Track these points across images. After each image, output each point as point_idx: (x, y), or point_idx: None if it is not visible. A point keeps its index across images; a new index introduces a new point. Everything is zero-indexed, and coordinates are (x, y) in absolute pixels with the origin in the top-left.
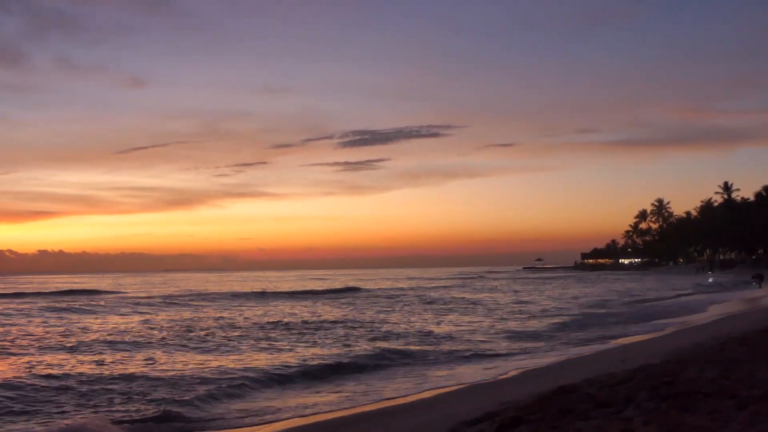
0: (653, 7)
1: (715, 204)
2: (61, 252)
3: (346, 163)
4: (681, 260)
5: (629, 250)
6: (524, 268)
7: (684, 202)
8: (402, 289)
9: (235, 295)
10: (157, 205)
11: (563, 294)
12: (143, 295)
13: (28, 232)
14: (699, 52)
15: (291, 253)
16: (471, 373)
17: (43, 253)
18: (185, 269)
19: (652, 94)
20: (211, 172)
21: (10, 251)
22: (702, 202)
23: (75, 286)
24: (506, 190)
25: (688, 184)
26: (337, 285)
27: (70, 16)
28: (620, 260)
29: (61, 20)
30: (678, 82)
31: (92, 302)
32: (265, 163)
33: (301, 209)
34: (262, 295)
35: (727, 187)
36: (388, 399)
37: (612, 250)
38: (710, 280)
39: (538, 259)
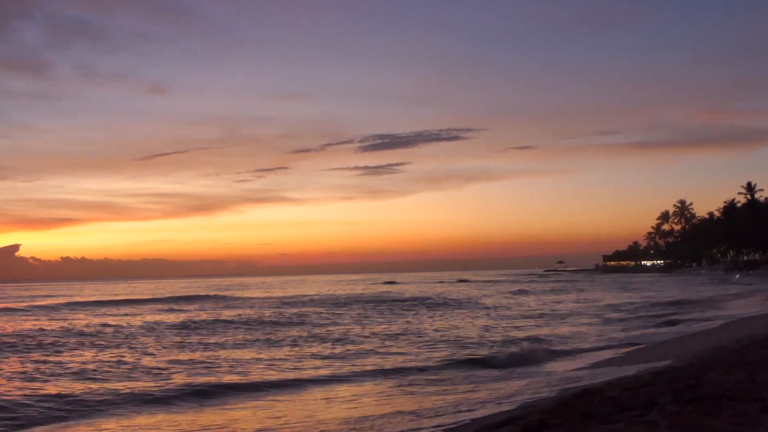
0: (672, 8)
1: (739, 205)
2: (83, 259)
3: (366, 167)
4: (704, 262)
5: (651, 252)
6: (545, 270)
7: (707, 204)
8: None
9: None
10: (179, 211)
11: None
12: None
13: (51, 239)
14: (719, 53)
15: (311, 258)
16: None
17: (66, 260)
18: (206, 275)
19: (672, 96)
20: (231, 178)
21: (34, 258)
22: (725, 202)
23: (182, 292)
24: (526, 193)
25: (710, 185)
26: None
27: (91, 25)
28: (642, 262)
29: (82, 29)
30: (698, 82)
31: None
32: (285, 168)
33: (321, 214)
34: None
35: (750, 188)
36: None
37: (634, 252)
38: (736, 277)
39: (560, 262)
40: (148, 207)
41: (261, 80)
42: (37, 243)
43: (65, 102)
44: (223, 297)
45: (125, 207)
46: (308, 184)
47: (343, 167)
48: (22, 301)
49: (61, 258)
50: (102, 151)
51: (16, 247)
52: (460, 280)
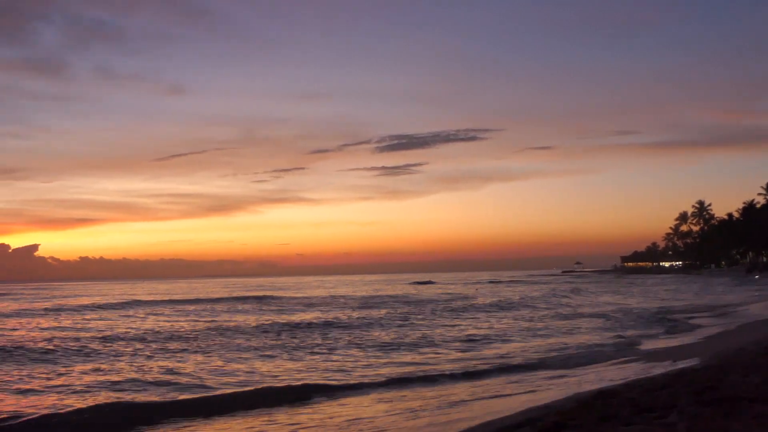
0: (691, 7)
1: (758, 205)
2: (102, 259)
3: (384, 167)
4: (723, 263)
5: (670, 253)
6: (563, 271)
7: (726, 204)
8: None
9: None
10: (196, 212)
11: None
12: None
13: (69, 239)
14: (738, 52)
15: (329, 259)
16: None
17: (85, 260)
18: (224, 275)
19: (692, 95)
20: (249, 178)
21: (53, 258)
22: (744, 203)
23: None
24: (544, 194)
25: (729, 185)
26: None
27: (110, 27)
28: (660, 263)
29: (101, 30)
30: (717, 82)
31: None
32: (302, 168)
33: (338, 214)
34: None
35: None
36: None
37: (652, 253)
38: (755, 278)
39: (578, 263)
40: (166, 207)
41: (279, 81)
42: (55, 243)
43: (84, 103)
44: (281, 297)
45: (143, 207)
46: (326, 184)
47: (360, 168)
48: (95, 297)
49: (80, 258)
50: (120, 151)
51: (35, 247)
52: (492, 281)
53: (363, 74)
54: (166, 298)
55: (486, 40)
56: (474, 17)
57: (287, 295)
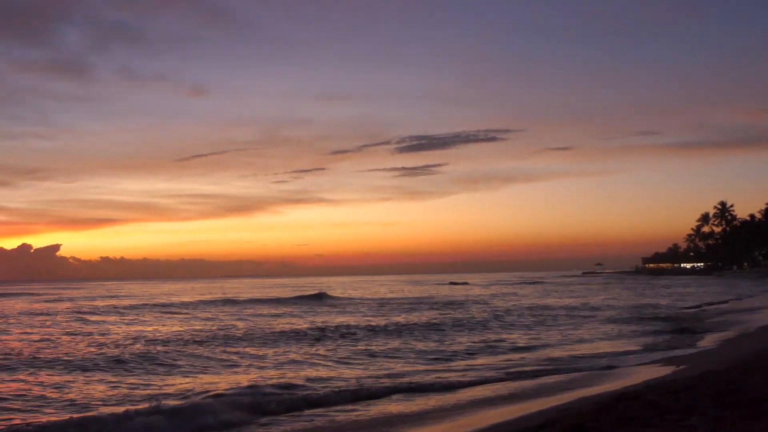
0: (717, 7)
1: None
2: (122, 259)
3: (404, 168)
4: (745, 265)
5: (691, 254)
6: (584, 273)
7: (748, 205)
8: None
9: None
10: (217, 212)
11: None
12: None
13: (91, 239)
14: (761, 53)
15: (348, 259)
16: None
17: (106, 260)
18: (244, 275)
19: (713, 96)
20: (269, 179)
21: (74, 258)
22: (766, 204)
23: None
24: (565, 194)
25: (751, 186)
26: None
27: (132, 28)
28: (682, 265)
29: (123, 32)
30: (739, 83)
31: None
32: (323, 169)
33: (358, 215)
34: None
35: None
36: None
37: (674, 255)
38: None
39: (598, 264)
40: (186, 208)
41: (299, 82)
42: (77, 243)
43: (107, 104)
44: (342, 297)
45: (164, 208)
46: (346, 185)
47: (380, 168)
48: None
49: (101, 258)
50: (142, 152)
51: (56, 246)
52: (535, 282)
53: (383, 75)
54: (222, 297)
55: (506, 41)
56: (494, 18)
57: (345, 295)
